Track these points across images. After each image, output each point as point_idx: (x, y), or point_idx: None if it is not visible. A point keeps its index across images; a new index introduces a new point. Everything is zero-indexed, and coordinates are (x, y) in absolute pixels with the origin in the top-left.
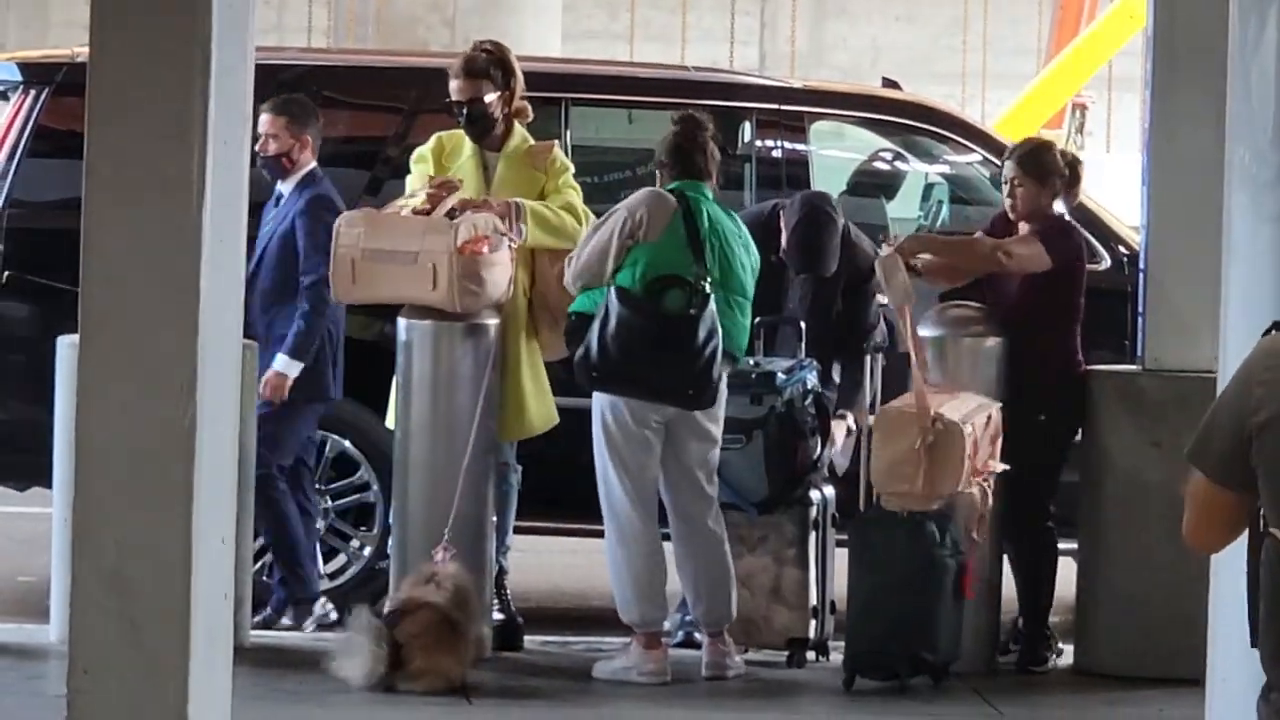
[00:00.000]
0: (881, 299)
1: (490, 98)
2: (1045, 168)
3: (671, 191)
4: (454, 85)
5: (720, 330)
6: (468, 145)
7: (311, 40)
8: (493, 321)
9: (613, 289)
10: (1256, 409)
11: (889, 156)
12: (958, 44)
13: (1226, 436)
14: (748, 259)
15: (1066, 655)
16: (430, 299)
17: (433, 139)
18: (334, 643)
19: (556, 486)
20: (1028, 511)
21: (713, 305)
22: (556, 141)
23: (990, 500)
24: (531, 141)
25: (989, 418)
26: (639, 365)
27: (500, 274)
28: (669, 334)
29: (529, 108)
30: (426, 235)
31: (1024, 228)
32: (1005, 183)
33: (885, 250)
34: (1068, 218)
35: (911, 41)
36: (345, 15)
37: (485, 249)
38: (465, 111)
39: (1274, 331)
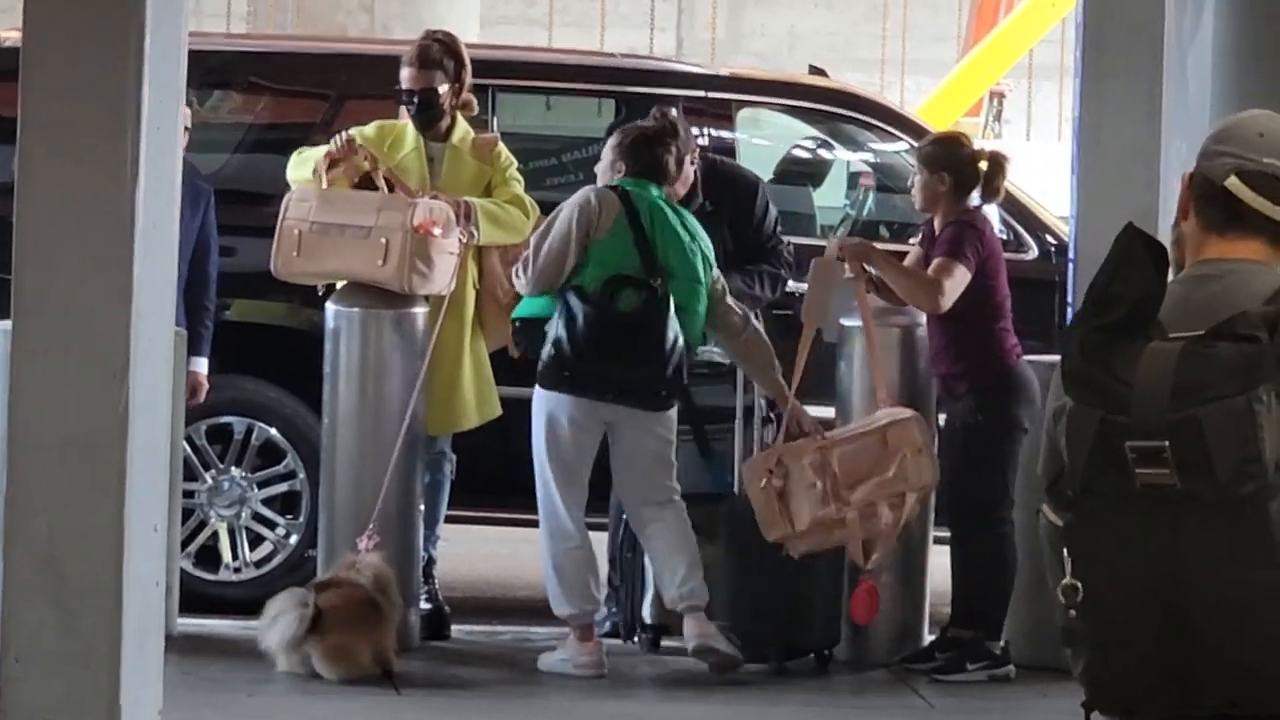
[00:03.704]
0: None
1: (443, 89)
2: (933, 158)
3: (612, 188)
4: (406, 74)
5: (680, 329)
6: (410, 136)
7: (230, 25)
8: (421, 310)
9: (571, 290)
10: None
11: (815, 144)
12: (877, 31)
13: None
14: (698, 247)
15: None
16: (377, 276)
17: (373, 125)
18: (264, 609)
19: (489, 475)
20: (973, 512)
21: (671, 304)
22: (499, 134)
23: (891, 519)
24: (473, 133)
25: (883, 437)
26: (612, 366)
27: (448, 263)
28: (640, 334)
29: (474, 100)
30: (382, 211)
31: (938, 225)
32: None
33: (830, 248)
34: (977, 210)
35: (831, 28)
36: (265, 1)
37: (438, 231)
38: (416, 101)
39: None
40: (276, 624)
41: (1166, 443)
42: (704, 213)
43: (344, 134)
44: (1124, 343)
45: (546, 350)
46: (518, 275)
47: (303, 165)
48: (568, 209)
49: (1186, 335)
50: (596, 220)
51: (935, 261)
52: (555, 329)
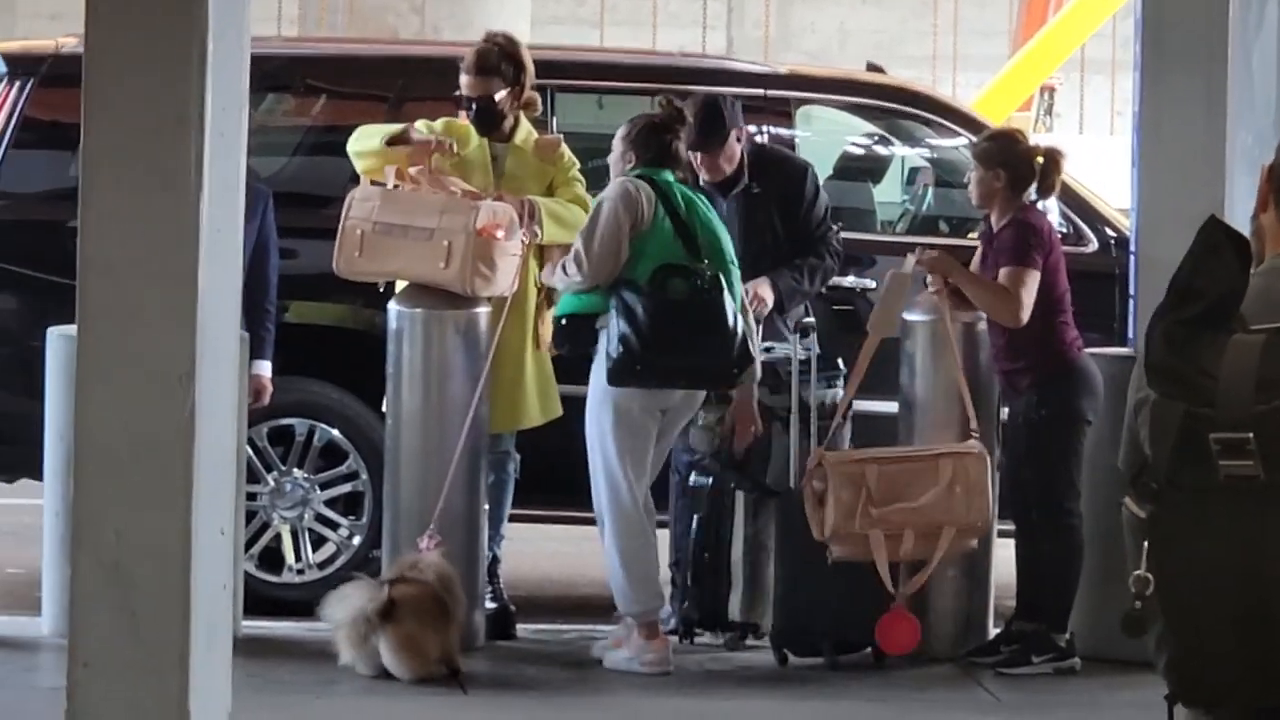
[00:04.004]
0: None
1: (500, 95)
2: (988, 155)
3: (640, 178)
4: (465, 81)
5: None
6: (474, 136)
7: (281, 29)
8: (484, 310)
9: (625, 285)
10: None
11: (874, 140)
12: (927, 27)
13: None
14: (726, 234)
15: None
16: (440, 278)
17: (441, 122)
18: (331, 594)
19: (553, 473)
20: (1037, 505)
21: (724, 285)
22: (562, 135)
23: (918, 549)
24: (536, 134)
25: (934, 464)
26: (681, 354)
27: (510, 265)
28: (700, 319)
29: (538, 100)
30: (444, 213)
31: (996, 220)
32: None
33: (908, 262)
34: (1034, 206)
35: (880, 25)
36: (315, 4)
37: (501, 234)
38: (475, 108)
39: None
40: (346, 600)
41: (1251, 435)
42: (750, 195)
43: (438, 139)
44: (1207, 335)
45: (614, 348)
46: (564, 273)
47: (362, 139)
48: (609, 201)
49: (1269, 327)
50: (641, 209)
51: (1004, 271)
52: (616, 327)
